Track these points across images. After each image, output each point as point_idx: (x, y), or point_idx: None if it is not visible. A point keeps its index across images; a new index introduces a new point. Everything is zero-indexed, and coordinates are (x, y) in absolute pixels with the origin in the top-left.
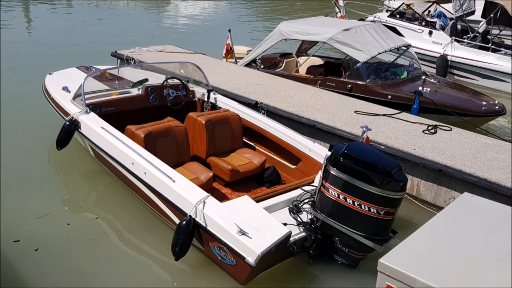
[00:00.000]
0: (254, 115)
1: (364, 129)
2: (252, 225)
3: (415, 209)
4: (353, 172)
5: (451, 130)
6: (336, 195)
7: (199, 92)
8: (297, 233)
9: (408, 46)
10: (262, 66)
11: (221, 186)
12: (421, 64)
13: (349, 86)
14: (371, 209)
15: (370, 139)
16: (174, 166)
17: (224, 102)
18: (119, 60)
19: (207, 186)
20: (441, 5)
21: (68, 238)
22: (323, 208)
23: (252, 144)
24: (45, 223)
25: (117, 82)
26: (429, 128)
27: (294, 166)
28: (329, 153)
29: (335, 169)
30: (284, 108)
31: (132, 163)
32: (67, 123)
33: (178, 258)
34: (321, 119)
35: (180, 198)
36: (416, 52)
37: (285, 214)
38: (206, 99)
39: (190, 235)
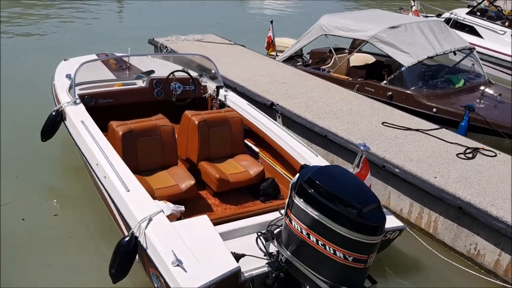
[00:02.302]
0: (260, 118)
1: (361, 147)
2: (195, 255)
3: (428, 251)
4: (316, 204)
5: (495, 156)
6: (299, 229)
7: (212, 88)
8: (258, 267)
9: (471, 49)
10: (310, 62)
11: (209, 196)
12: (499, 71)
13: (389, 93)
14: (337, 253)
15: (376, 159)
16: (158, 169)
17: (233, 101)
18: (129, 49)
19: (187, 195)
20: None
21: (15, 233)
22: (287, 242)
23: (257, 150)
24: (2, 214)
25: (127, 72)
26: (467, 151)
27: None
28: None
29: (298, 198)
30: (299, 113)
31: (97, 165)
32: (53, 113)
33: (116, 281)
34: (336, 129)
35: (128, 211)
36: (493, 57)
37: (251, 242)
38: (216, 95)
39: (130, 256)
